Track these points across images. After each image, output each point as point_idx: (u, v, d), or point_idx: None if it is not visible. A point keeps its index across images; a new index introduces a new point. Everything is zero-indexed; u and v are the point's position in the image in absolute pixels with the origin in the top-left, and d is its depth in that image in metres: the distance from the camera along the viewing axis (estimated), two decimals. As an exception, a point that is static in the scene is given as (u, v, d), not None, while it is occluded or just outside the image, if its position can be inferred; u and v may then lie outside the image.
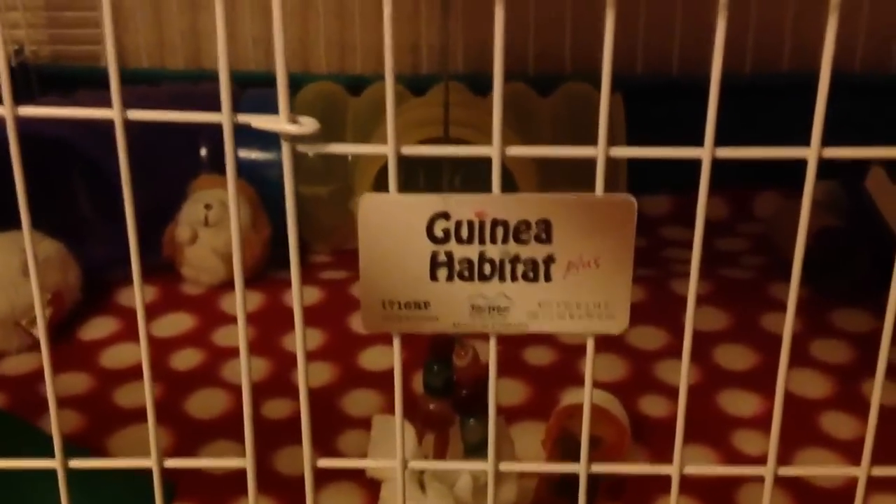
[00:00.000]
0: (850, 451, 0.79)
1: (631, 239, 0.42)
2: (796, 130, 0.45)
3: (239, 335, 0.43)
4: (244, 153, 1.01)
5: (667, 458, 0.78)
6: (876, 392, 0.45)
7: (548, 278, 0.42)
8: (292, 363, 0.88)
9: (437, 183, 0.92)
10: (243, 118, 0.40)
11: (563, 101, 1.10)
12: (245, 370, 0.45)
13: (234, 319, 0.92)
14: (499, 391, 0.86)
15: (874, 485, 0.47)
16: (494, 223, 0.41)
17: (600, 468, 0.47)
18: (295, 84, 1.15)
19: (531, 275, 0.42)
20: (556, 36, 1.21)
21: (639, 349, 0.91)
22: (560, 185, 0.99)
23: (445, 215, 0.41)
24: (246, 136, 0.41)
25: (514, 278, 0.42)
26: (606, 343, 0.92)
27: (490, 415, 0.43)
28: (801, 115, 0.45)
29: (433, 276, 0.42)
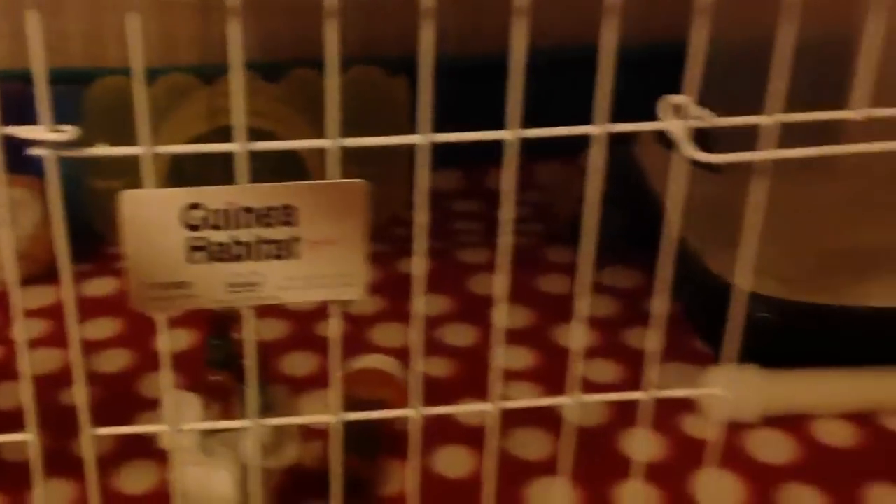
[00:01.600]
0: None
1: (364, 217, 0.48)
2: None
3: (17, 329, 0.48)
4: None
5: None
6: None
7: (294, 256, 0.48)
8: (90, 350, 0.92)
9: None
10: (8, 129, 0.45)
11: (350, 84, 1.16)
12: (24, 347, 0.49)
13: (32, 314, 0.96)
14: (291, 363, 0.93)
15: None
16: (244, 210, 0.47)
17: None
18: (87, 79, 1.17)
19: (279, 254, 0.48)
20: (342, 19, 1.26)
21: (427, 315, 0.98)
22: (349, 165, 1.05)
23: (198, 206, 0.46)
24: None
25: (264, 258, 0.48)
26: (396, 313, 0.99)
27: (250, 380, 0.48)
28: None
29: (191, 260, 0.47)
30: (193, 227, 0.47)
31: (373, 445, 0.79)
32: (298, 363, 0.91)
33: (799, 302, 0.89)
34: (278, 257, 0.48)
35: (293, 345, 0.94)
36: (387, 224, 1.11)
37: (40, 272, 0.97)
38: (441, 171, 1.22)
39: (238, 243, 0.47)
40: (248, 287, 0.48)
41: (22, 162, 0.48)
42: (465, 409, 0.54)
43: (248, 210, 0.47)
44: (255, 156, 0.46)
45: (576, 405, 0.54)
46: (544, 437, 0.83)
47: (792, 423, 0.86)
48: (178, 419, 0.59)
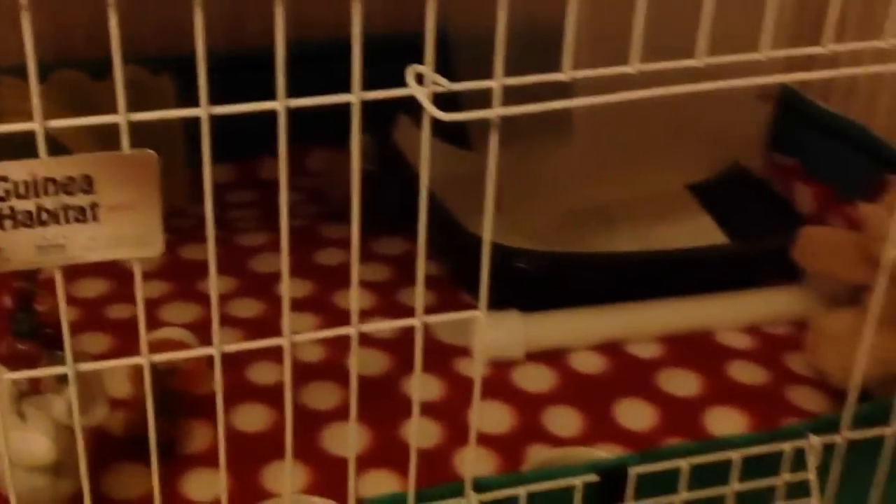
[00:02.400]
0: (392, 346, 0.97)
1: (156, 184, 0.55)
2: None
3: None
4: None
5: (239, 376, 0.92)
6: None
7: (95, 220, 0.54)
8: None
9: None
10: None
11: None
12: None
13: None
14: (86, 343, 0.97)
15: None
16: (46, 181, 0.53)
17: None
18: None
19: (81, 218, 0.54)
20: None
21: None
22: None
23: (4, 178, 0.52)
24: None
25: (67, 222, 0.54)
26: (183, 294, 1.05)
27: (65, 336, 0.54)
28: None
29: (1, 227, 0.53)
30: (1, 199, 0.52)
31: (174, 408, 0.85)
32: (93, 343, 0.96)
33: (549, 252, 1.00)
34: (81, 221, 0.54)
35: (86, 327, 0.99)
36: (166, 216, 1.16)
37: None
38: (216, 165, 1.29)
39: (43, 210, 0.53)
40: (56, 248, 0.54)
41: None
42: (263, 344, 0.61)
43: (51, 180, 0.53)
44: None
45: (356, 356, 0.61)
46: (335, 388, 0.91)
47: (551, 357, 0.97)
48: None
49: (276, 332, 0.58)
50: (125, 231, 0.55)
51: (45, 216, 0.54)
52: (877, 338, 0.77)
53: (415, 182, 1.03)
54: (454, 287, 1.05)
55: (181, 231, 1.12)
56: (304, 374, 0.93)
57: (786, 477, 0.74)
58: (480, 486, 0.69)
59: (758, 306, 1.00)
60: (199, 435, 0.86)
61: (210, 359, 0.58)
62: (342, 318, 0.60)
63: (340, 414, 0.89)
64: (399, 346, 0.96)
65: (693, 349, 0.98)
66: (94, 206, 0.54)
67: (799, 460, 0.74)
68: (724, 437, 0.81)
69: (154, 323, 0.99)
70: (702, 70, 0.56)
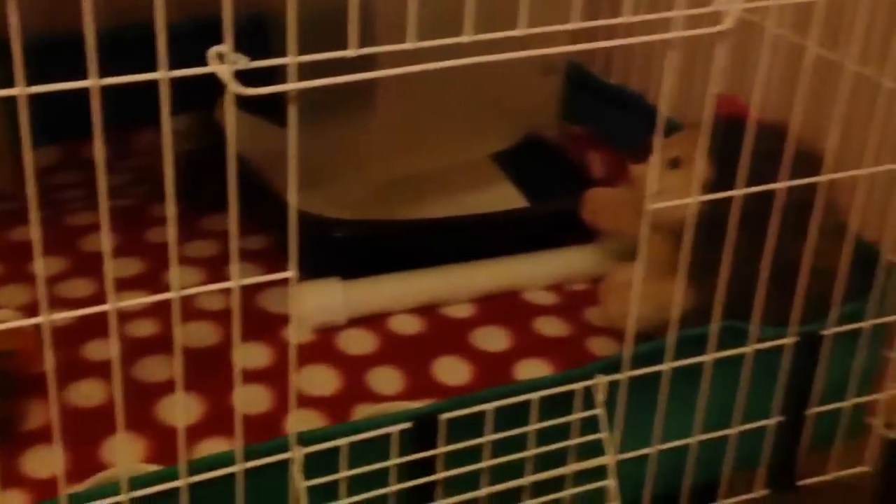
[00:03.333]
0: (221, 317, 1.02)
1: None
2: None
3: None
4: None
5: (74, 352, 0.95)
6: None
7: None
8: None
9: None
10: None
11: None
12: None
13: None
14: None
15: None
16: None
17: None
18: None
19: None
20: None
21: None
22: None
23: None
24: None
25: None
26: (14, 276, 1.08)
27: None
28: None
29: None
30: None
31: (9, 387, 0.89)
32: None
33: (364, 221, 1.07)
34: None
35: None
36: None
37: None
38: (43, 147, 1.31)
39: None
40: None
41: None
42: (90, 311, 0.65)
43: None
44: None
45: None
46: (167, 361, 0.96)
47: (372, 321, 1.04)
48: None
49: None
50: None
51: None
52: (656, 286, 0.86)
53: (246, 171, 1.08)
54: (281, 259, 1.10)
55: (9, 214, 1.15)
56: (138, 348, 0.97)
57: (578, 414, 0.82)
58: (305, 439, 0.75)
59: (559, 265, 1.09)
60: (37, 413, 0.90)
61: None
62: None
63: (173, 386, 0.94)
64: (229, 317, 1.01)
65: (503, 307, 1.07)
66: None
67: (590, 398, 0.83)
68: (523, 380, 0.89)
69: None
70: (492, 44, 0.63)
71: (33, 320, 0.62)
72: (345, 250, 1.05)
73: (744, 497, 0.93)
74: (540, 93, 1.19)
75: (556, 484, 0.84)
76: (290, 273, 0.68)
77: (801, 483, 0.94)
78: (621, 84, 1.31)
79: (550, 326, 1.05)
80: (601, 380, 0.82)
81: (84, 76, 0.57)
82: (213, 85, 0.61)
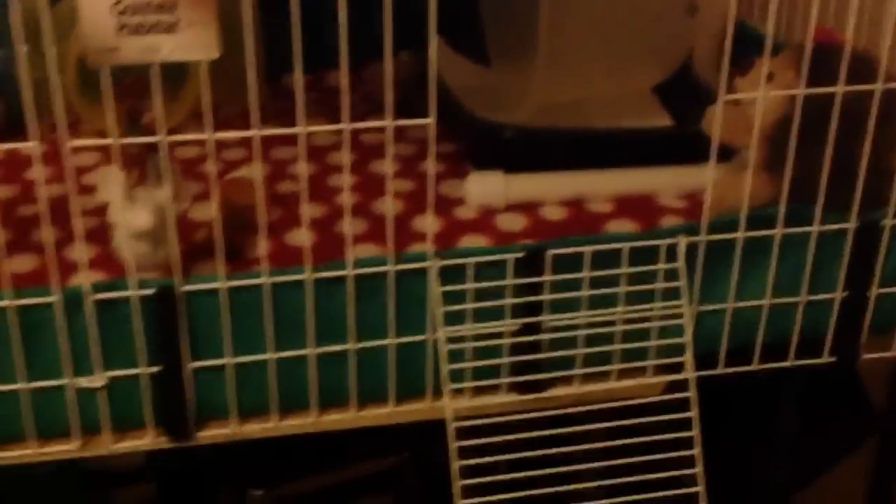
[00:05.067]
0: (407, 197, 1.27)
1: (214, 10, 0.86)
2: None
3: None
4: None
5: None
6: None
7: (176, 32, 0.85)
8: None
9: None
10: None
11: None
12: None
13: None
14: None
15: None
16: (147, 4, 0.84)
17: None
18: None
19: (169, 31, 0.85)
20: None
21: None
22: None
23: (119, 2, 0.84)
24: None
25: (159, 33, 0.85)
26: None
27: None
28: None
29: (120, 33, 0.84)
30: (121, 13, 0.84)
31: (245, 227, 1.16)
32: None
33: (529, 126, 1.30)
34: (168, 32, 0.86)
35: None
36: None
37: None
38: (287, 74, 1.61)
39: (145, 24, 0.85)
40: (152, 50, 0.86)
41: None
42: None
43: (150, 4, 0.84)
44: None
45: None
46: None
47: (526, 207, 1.26)
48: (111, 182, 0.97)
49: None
50: (194, 41, 0.87)
51: (146, 28, 0.85)
52: (745, 178, 1.05)
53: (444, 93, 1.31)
54: (463, 158, 1.35)
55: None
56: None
57: (662, 265, 1.02)
58: (441, 254, 0.99)
59: (690, 176, 1.27)
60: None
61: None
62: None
63: (367, 237, 1.19)
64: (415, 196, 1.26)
65: (637, 206, 1.26)
66: (176, 22, 0.86)
67: (673, 255, 1.03)
68: (615, 232, 1.09)
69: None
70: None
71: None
72: (510, 149, 1.28)
73: (812, 360, 1.09)
74: (686, 30, 1.38)
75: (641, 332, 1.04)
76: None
77: (864, 357, 1.10)
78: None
79: (673, 223, 1.23)
80: (683, 239, 1.02)
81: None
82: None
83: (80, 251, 0.93)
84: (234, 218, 1.10)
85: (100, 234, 1.10)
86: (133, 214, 1.04)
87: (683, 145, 1.26)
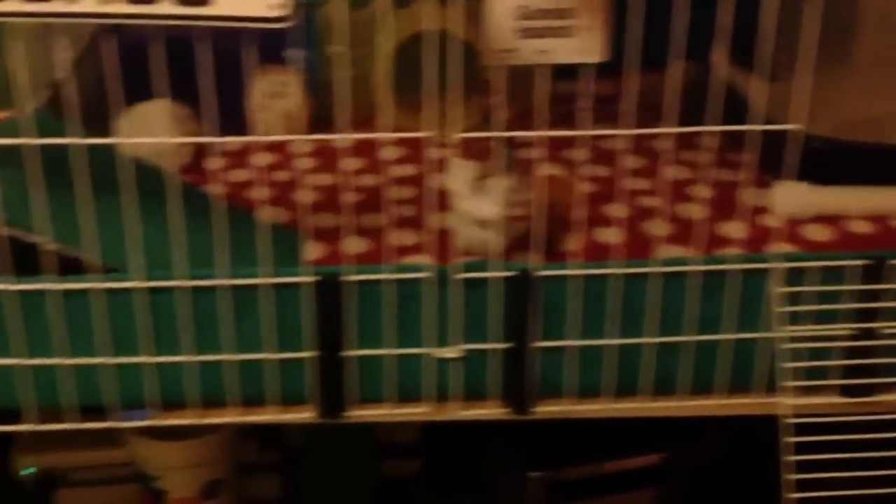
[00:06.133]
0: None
1: (606, 10, 0.92)
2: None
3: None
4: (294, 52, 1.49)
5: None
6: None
7: (570, 36, 0.92)
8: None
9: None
10: None
11: None
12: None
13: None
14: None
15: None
16: (545, 11, 0.91)
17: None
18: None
19: (562, 34, 0.92)
20: None
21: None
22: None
23: (526, 7, 0.91)
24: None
25: (553, 37, 0.92)
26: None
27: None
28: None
29: (519, 37, 0.91)
30: (522, 18, 0.91)
31: (559, 224, 1.22)
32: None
33: (836, 138, 1.32)
34: (561, 36, 0.92)
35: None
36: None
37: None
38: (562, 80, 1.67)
39: (541, 28, 0.91)
40: (545, 54, 0.92)
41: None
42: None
43: (548, 10, 0.91)
44: None
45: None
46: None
47: (831, 219, 1.29)
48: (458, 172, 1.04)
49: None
50: (585, 45, 0.93)
51: (543, 32, 0.92)
52: None
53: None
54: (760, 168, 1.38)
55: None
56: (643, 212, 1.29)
57: None
58: (787, 258, 1.03)
59: None
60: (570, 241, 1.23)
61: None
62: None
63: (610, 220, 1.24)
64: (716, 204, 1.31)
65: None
66: (570, 27, 0.92)
67: None
68: None
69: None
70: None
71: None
72: (816, 160, 1.31)
73: None
74: None
75: None
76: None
77: None
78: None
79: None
80: None
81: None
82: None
83: (408, 236, 1.05)
84: (551, 213, 1.17)
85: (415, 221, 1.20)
86: (478, 203, 1.11)
87: None
